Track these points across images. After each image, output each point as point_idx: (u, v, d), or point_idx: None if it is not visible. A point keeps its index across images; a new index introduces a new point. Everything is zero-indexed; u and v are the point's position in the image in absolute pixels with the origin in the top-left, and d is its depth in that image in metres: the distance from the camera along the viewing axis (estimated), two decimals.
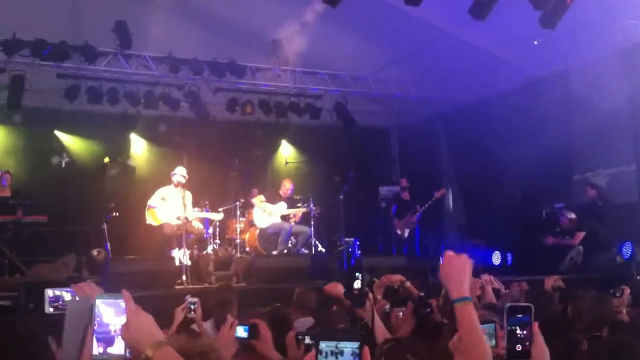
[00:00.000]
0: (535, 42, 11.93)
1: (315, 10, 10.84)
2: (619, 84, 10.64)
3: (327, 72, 13.94)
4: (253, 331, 3.43)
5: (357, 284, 4.12)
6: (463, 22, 10.13)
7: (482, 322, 2.66)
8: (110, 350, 2.03)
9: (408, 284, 6.38)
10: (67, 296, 3.29)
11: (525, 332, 2.09)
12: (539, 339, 2.08)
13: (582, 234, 10.86)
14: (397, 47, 13.32)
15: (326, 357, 1.41)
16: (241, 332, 3.38)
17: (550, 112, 11.48)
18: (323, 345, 1.41)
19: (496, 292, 5.95)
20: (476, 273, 7.14)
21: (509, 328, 2.10)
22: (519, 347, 2.08)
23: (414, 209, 13.09)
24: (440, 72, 13.57)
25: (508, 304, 2.16)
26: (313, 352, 1.42)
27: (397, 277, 6.16)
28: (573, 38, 11.23)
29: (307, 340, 3.38)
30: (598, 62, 11.16)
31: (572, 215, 10.97)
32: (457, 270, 2.45)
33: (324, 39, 12.24)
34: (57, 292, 3.23)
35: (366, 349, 1.43)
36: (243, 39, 13.22)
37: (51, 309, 3.17)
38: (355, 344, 1.41)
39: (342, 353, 1.41)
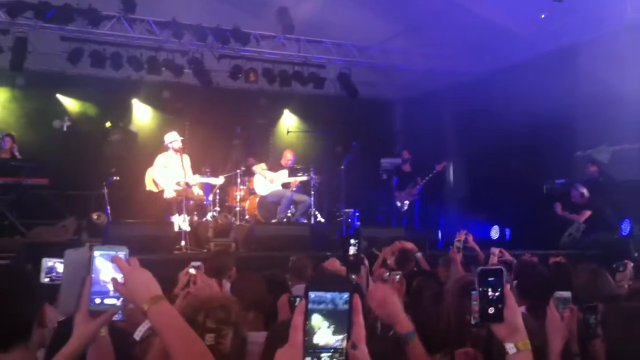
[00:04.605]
0: (543, 16, 11.81)
1: None
2: (627, 60, 10.53)
3: (332, 42, 13.82)
4: None
5: (352, 250, 4.14)
6: None
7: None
8: (107, 301, 2.05)
9: (419, 255, 6.46)
10: (62, 267, 3.28)
11: (497, 294, 2.09)
12: (511, 301, 2.08)
13: (588, 213, 10.83)
14: (404, 18, 13.16)
15: (316, 306, 1.40)
16: None
17: (556, 86, 11.37)
18: (312, 295, 1.40)
19: (508, 265, 5.98)
20: (482, 247, 7.27)
21: (480, 290, 2.10)
22: (491, 310, 2.08)
23: (415, 182, 13.07)
24: (447, 44, 13.45)
25: (479, 268, 2.15)
26: (303, 302, 1.41)
27: (411, 245, 6.24)
28: (582, 13, 11.11)
29: (298, 302, 3.39)
30: (606, 37, 11.04)
31: (584, 191, 10.88)
32: (390, 302, 2.67)
33: (330, 7, 12.12)
34: (52, 263, 3.22)
35: (357, 298, 1.42)
36: (248, 5, 13.09)
37: (46, 279, 3.17)
38: (346, 294, 1.40)
39: (332, 302, 1.40)
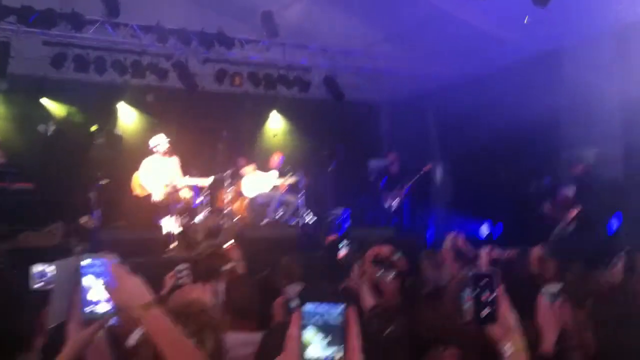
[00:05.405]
0: (526, 20, 11.88)
1: None
2: (611, 65, 10.63)
3: (318, 46, 13.81)
4: None
5: (342, 252, 4.15)
6: (457, 0, 10.06)
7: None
8: (99, 309, 2.04)
9: (397, 256, 6.44)
10: (51, 270, 3.22)
11: (490, 297, 2.11)
12: (505, 303, 2.11)
13: (575, 212, 10.89)
14: (389, 23, 13.18)
15: (311, 318, 1.40)
16: None
17: (540, 91, 11.47)
18: (307, 307, 1.40)
19: (497, 263, 5.99)
20: (474, 245, 7.28)
21: (474, 294, 2.12)
22: (485, 312, 2.11)
23: (403, 183, 13.12)
24: (431, 49, 13.48)
25: (472, 272, 2.18)
26: (298, 312, 1.40)
27: (387, 249, 6.22)
28: (566, 17, 11.17)
29: (293, 303, 3.39)
30: (590, 42, 11.13)
31: (570, 191, 10.95)
32: None
33: (316, 12, 12.12)
34: (42, 268, 3.19)
35: (351, 310, 1.41)
36: (232, 10, 13.05)
37: (36, 285, 3.15)
38: (340, 306, 1.40)
39: (327, 314, 1.40)
